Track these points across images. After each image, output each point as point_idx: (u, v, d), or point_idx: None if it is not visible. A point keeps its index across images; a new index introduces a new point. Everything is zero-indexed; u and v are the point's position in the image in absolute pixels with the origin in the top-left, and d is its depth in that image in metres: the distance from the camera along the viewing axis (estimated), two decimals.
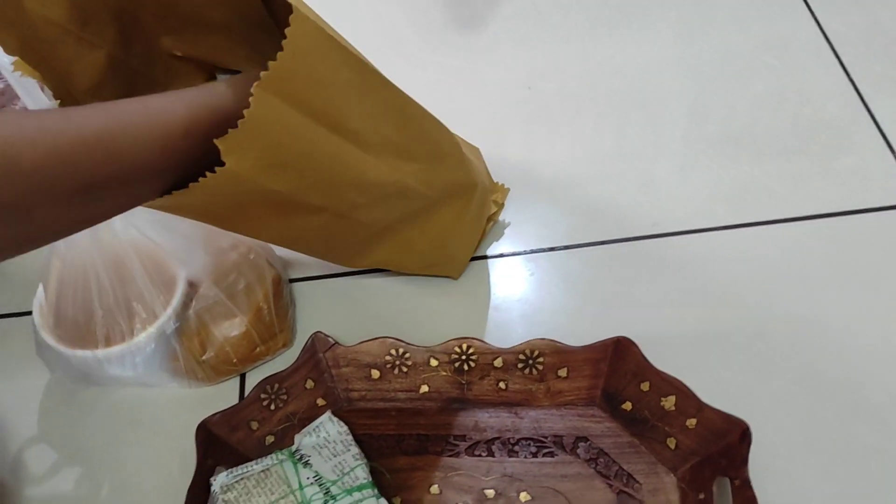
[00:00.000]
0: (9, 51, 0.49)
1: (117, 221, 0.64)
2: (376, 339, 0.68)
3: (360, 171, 0.53)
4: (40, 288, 0.69)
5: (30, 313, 0.69)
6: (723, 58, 0.92)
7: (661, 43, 0.94)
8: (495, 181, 0.80)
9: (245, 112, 0.41)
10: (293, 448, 0.63)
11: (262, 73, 0.41)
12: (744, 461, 0.58)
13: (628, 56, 0.93)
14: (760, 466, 0.58)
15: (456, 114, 0.69)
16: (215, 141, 0.41)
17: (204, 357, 0.69)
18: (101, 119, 0.41)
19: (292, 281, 0.78)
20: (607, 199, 0.81)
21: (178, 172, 0.45)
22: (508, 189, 0.80)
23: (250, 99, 0.41)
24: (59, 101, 0.53)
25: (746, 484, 0.57)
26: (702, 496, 0.60)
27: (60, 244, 0.65)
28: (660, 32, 0.95)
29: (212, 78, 0.66)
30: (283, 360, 0.72)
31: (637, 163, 0.83)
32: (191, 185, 0.43)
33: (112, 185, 0.42)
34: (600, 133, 0.87)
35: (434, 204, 0.66)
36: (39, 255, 0.66)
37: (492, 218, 0.79)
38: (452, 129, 0.66)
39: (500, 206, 0.79)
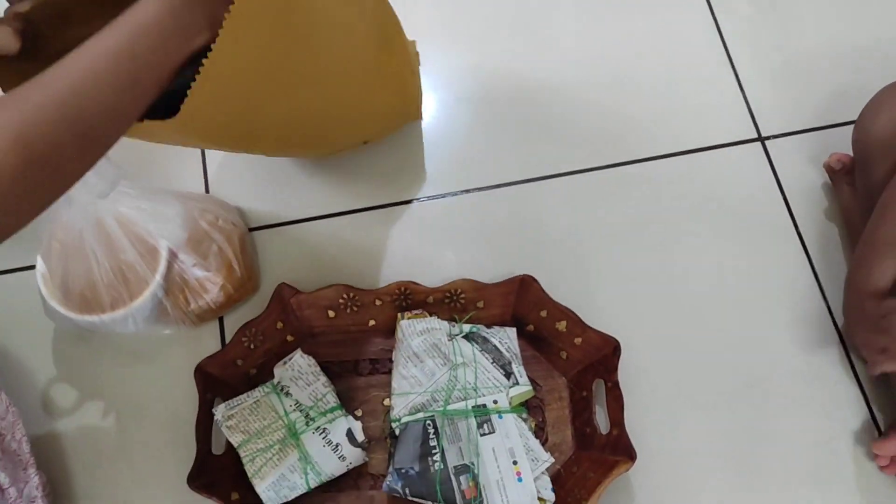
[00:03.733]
0: None
1: (103, 205, 0.76)
2: (331, 286, 0.85)
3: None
4: (39, 260, 0.81)
5: (33, 267, 0.82)
6: None
7: None
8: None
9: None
10: (275, 381, 0.81)
11: None
12: (615, 368, 0.79)
13: None
14: (629, 369, 0.80)
15: None
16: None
17: (189, 308, 0.84)
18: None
19: (252, 230, 0.92)
20: (514, 142, 0.96)
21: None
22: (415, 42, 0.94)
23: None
24: None
25: (616, 385, 0.79)
26: (584, 393, 0.81)
27: (57, 230, 0.77)
28: None
29: None
30: (254, 302, 0.88)
31: (537, 105, 0.98)
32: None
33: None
34: (507, 72, 1.00)
35: (379, 51, 0.76)
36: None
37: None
38: None
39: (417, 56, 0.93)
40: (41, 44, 0.57)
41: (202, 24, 0.53)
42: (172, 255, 0.82)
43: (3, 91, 0.56)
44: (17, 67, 0.56)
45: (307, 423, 0.78)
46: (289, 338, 0.85)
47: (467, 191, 0.94)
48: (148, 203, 0.79)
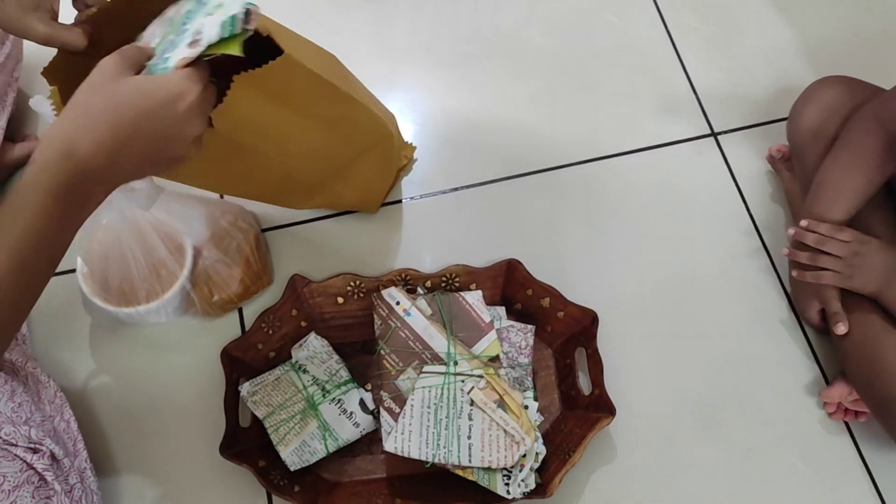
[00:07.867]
0: None
1: (140, 212, 0.86)
2: (339, 275, 0.95)
3: (306, 137, 0.78)
4: (79, 261, 0.91)
5: (70, 272, 0.92)
6: (576, 13, 1.17)
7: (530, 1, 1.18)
8: (406, 141, 1.05)
9: (225, 96, 0.62)
10: (293, 360, 0.91)
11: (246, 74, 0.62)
12: (594, 336, 0.90)
13: (504, 14, 1.17)
14: (607, 337, 0.91)
15: (369, 75, 0.89)
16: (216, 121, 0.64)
17: (213, 300, 0.94)
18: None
19: (265, 230, 1.02)
20: (495, 144, 1.08)
21: None
22: (415, 147, 1.06)
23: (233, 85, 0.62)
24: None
25: (595, 351, 0.90)
26: (568, 361, 0.92)
27: (97, 231, 0.87)
28: None
29: None
30: (269, 294, 0.98)
31: (516, 112, 1.10)
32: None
33: None
34: (487, 86, 1.12)
35: (354, 160, 0.90)
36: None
37: (402, 169, 1.05)
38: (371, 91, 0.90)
39: (410, 159, 1.05)
40: (98, 41, 0.67)
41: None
42: (197, 252, 0.92)
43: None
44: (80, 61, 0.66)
45: (324, 395, 0.88)
46: (303, 323, 0.95)
47: (456, 188, 1.05)
48: (176, 205, 0.89)
